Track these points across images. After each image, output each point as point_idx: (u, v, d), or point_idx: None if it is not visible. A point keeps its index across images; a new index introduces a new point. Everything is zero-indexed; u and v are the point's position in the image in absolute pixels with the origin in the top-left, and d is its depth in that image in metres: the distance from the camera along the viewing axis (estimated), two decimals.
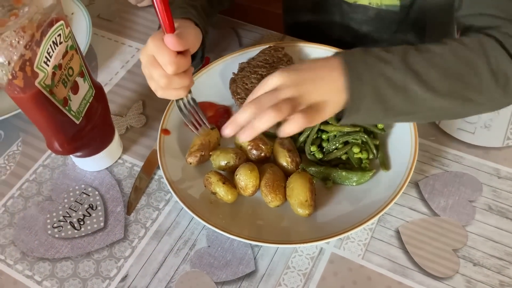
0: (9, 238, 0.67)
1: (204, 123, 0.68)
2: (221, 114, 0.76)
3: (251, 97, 0.56)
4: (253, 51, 0.82)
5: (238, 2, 0.92)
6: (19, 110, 0.75)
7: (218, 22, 0.92)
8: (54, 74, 0.57)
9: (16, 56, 0.52)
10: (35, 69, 0.54)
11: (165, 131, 0.72)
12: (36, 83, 0.55)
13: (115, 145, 0.72)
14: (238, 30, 0.91)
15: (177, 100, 0.67)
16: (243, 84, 0.77)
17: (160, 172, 0.69)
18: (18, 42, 0.52)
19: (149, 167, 0.72)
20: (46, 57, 0.56)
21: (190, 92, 0.67)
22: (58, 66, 0.58)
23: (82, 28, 0.87)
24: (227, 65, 0.81)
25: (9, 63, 0.52)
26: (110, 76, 0.85)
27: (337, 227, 0.61)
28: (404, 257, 0.62)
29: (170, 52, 0.59)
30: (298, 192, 0.62)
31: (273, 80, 0.55)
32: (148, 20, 0.95)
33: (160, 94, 0.64)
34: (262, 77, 0.77)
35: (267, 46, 0.81)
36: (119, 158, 0.74)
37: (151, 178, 0.71)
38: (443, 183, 0.69)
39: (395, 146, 0.69)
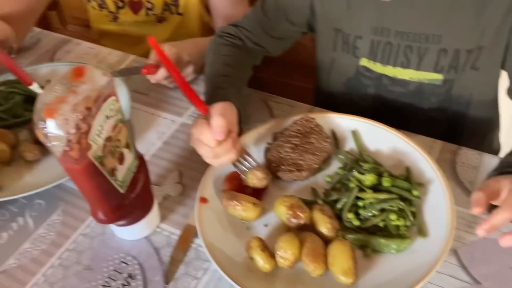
0: None
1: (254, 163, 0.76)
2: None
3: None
4: (285, 122, 0.85)
5: (267, 77, 0.97)
6: (60, 181, 0.78)
7: (250, 95, 0.96)
8: (105, 146, 0.60)
9: (73, 129, 0.55)
10: (89, 141, 0.57)
11: (203, 200, 0.74)
12: (89, 155, 0.58)
13: (154, 214, 0.74)
14: (269, 103, 0.95)
15: (235, 164, 0.76)
16: (277, 152, 0.80)
17: (198, 240, 0.69)
18: (76, 116, 0.56)
19: (186, 237, 0.73)
20: (99, 130, 0.59)
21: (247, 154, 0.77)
22: (108, 138, 0.61)
23: (121, 101, 0.91)
24: (260, 136, 0.84)
25: (66, 136, 0.56)
26: (147, 147, 0.88)
27: None
28: None
29: (210, 132, 0.68)
30: (340, 260, 0.62)
31: None
32: (180, 95, 1.00)
33: (215, 164, 0.73)
34: (296, 146, 0.80)
35: (299, 116, 0.85)
36: (157, 226, 0.75)
37: (189, 247, 0.72)
38: (482, 250, 0.68)
39: (431, 213, 0.70)
